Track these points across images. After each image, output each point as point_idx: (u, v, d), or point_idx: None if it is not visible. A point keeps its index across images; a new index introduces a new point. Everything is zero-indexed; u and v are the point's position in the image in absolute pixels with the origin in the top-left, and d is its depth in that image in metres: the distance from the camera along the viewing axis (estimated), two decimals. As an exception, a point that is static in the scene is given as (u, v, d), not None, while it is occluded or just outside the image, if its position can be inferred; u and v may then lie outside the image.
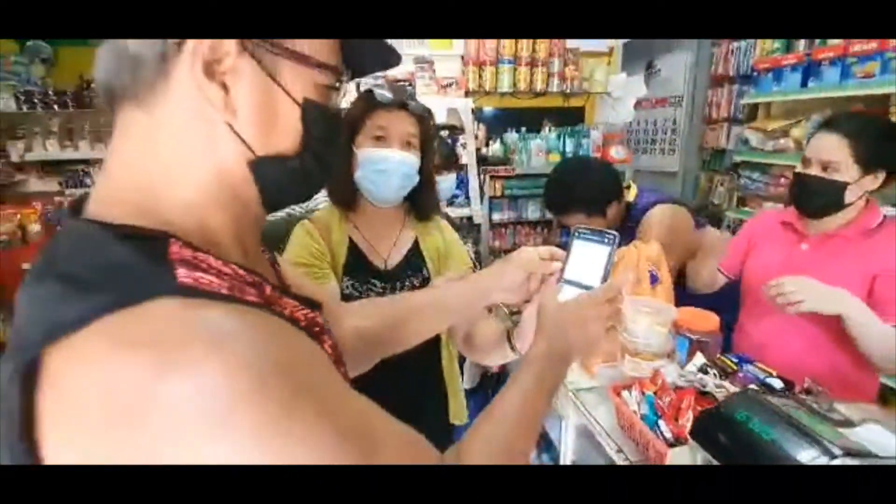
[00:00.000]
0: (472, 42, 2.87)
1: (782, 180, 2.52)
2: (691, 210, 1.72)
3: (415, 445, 0.45)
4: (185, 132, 0.41)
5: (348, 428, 0.38)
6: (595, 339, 0.65)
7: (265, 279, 0.45)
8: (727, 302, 1.45)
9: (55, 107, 3.37)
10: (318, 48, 0.45)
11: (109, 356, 0.32)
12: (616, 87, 3.08)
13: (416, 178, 1.09)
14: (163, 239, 0.38)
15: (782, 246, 1.34)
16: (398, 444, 0.43)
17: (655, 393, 1.00)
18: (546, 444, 1.45)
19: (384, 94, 1.07)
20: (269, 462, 0.33)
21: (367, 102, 1.08)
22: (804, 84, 2.36)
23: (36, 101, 3.31)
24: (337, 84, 0.47)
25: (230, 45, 0.40)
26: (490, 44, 2.84)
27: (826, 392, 0.93)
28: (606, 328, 0.66)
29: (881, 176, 1.16)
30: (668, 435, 0.89)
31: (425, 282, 1.13)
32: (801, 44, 2.48)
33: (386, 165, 1.04)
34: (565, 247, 0.73)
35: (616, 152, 3.08)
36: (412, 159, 1.07)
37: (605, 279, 0.68)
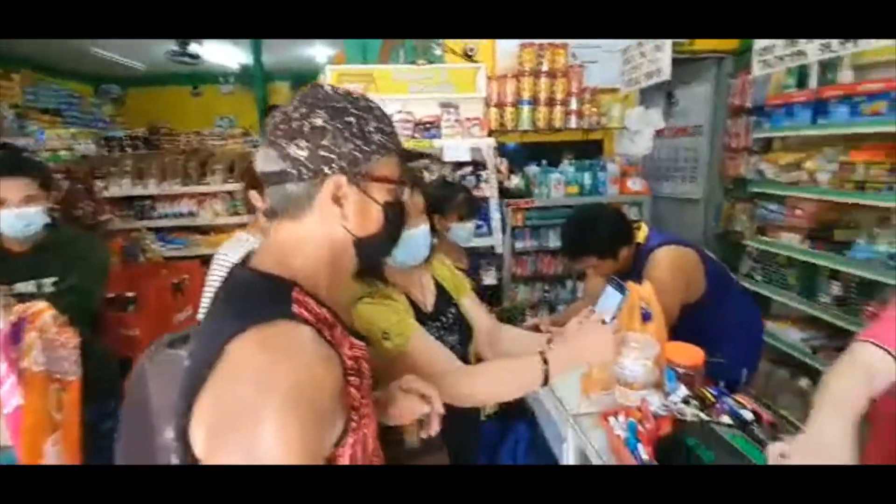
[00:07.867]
0: (494, 85, 3.10)
1: (797, 211, 2.58)
2: (699, 250, 1.83)
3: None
4: (315, 229, 0.68)
5: (290, 447, 0.55)
6: (606, 357, 1.01)
7: (339, 320, 0.69)
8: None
9: (128, 149, 3.84)
10: (391, 171, 0.71)
11: (255, 351, 0.57)
12: (633, 119, 3.21)
13: (433, 240, 1.20)
14: (290, 284, 0.65)
15: None
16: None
17: (639, 420, 1.16)
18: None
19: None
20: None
21: None
22: (814, 121, 2.44)
23: (114, 144, 3.79)
24: (403, 188, 0.74)
25: (345, 184, 0.66)
26: (510, 86, 3.07)
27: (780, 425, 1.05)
28: (616, 353, 1.02)
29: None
30: (645, 457, 1.04)
31: (457, 309, 1.33)
32: (813, 81, 2.56)
33: (416, 241, 1.13)
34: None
35: (633, 184, 3.21)
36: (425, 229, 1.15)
37: (613, 317, 1.05)
